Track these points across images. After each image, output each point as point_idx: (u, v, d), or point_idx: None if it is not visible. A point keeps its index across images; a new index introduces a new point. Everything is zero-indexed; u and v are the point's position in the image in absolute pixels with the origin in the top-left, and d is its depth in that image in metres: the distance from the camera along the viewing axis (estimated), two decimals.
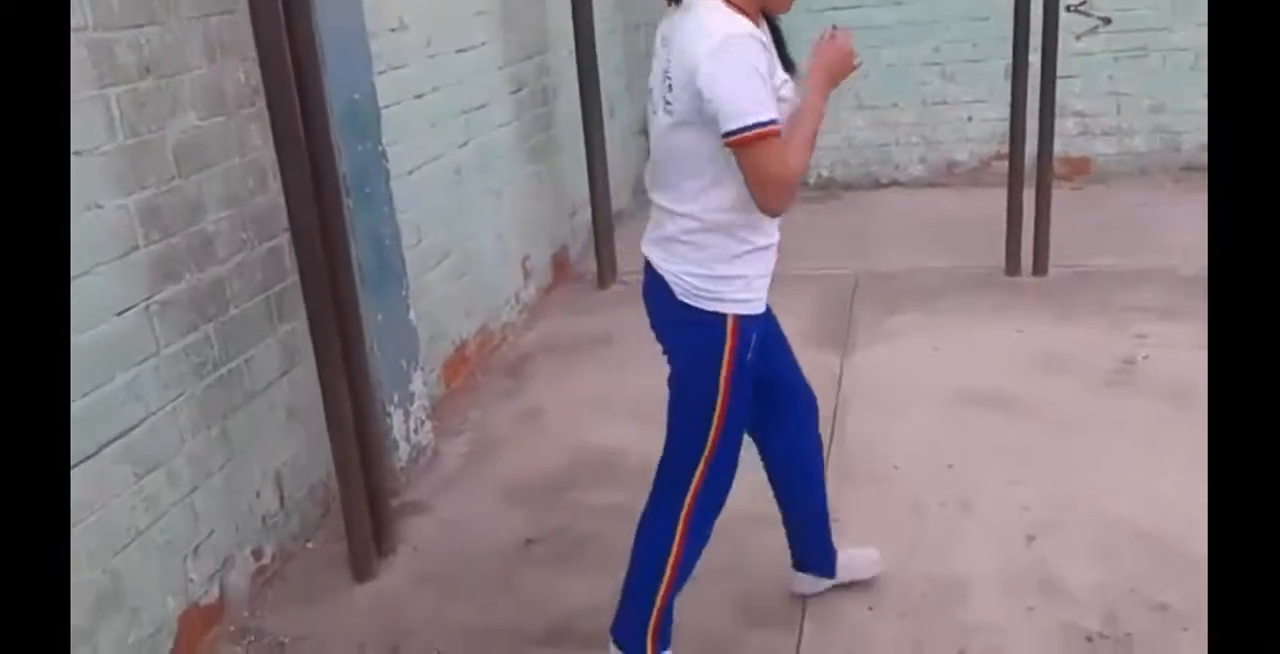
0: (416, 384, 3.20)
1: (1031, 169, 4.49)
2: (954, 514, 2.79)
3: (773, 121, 1.82)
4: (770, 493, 2.44)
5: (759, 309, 2.02)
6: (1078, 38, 5.73)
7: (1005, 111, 4.50)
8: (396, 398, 3.09)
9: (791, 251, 4.98)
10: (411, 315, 3.21)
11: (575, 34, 4.51)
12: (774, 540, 2.73)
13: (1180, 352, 3.61)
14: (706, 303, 1.99)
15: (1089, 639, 2.29)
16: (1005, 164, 4.53)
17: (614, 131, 5.73)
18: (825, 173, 6.30)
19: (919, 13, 5.85)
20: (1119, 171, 5.92)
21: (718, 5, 1.88)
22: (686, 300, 2.00)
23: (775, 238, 2.04)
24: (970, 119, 5.96)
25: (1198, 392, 3.30)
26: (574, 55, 4.56)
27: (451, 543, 2.81)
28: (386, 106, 3.22)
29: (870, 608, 2.45)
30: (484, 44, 4.11)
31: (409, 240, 3.38)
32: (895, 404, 3.42)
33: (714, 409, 2.05)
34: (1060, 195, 5.55)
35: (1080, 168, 5.94)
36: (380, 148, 3.08)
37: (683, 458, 2.13)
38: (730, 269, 1.97)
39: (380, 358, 3.03)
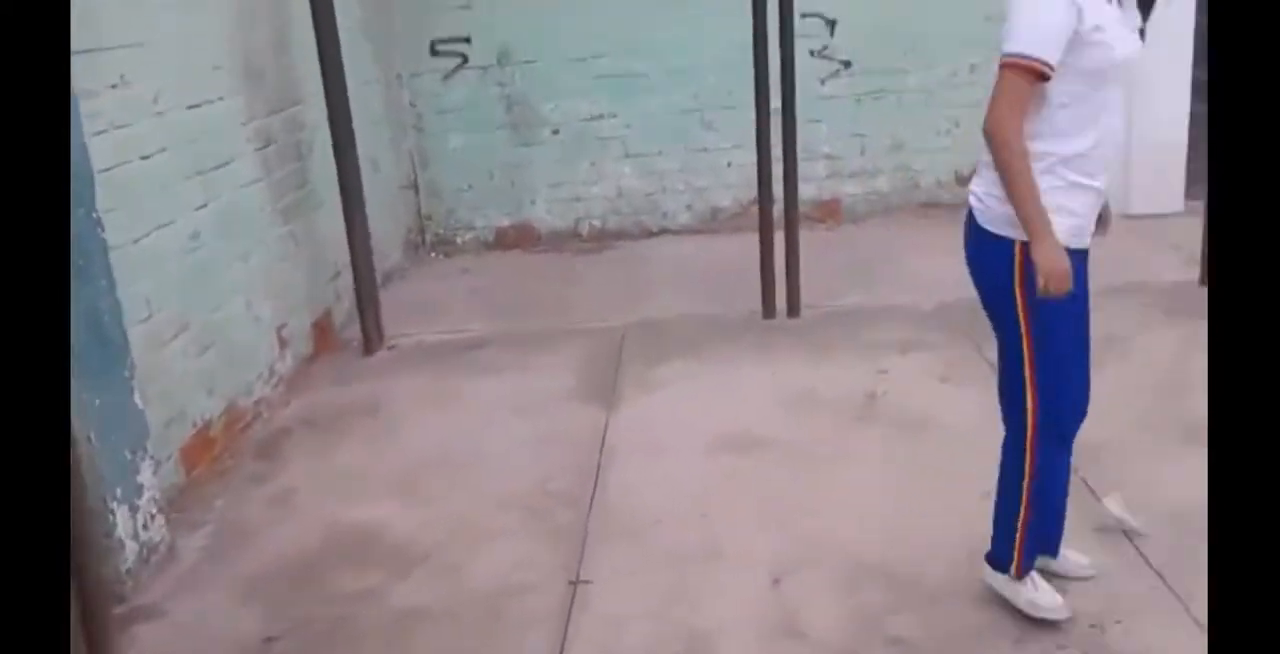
0: (145, 475, 2.96)
1: (784, 213, 4.69)
2: (707, 563, 2.83)
3: (1036, 59, 2.03)
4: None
5: None
6: (822, 82, 6.11)
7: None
8: (120, 492, 2.85)
9: (562, 306, 5.10)
10: (138, 398, 2.98)
11: (325, 86, 4.38)
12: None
13: (917, 383, 3.84)
14: (999, 227, 2.18)
15: None
16: (773, 209, 4.69)
17: (379, 187, 5.62)
18: (597, 223, 6.39)
19: (676, 61, 6.03)
20: (867, 211, 6.29)
21: None
22: (984, 225, 2.22)
23: (1090, 183, 2.16)
24: (730, 165, 6.18)
25: (932, 422, 3.52)
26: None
27: (182, 650, 2.60)
28: (105, 169, 3.03)
29: None
30: (221, 99, 3.93)
31: (137, 314, 3.16)
32: (656, 455, 3.46)
33: (1020, 332, 2.23)
34: (815, 237, 5.88)
35: (832, 210, 6.29)
36: (95, 215, 2.86)
37: (1012, 382, 2.31)
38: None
39: (100, 449, 2.79)
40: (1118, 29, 2.14)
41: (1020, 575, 2.45)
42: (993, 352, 2.20)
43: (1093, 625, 2.42)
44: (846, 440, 3.48)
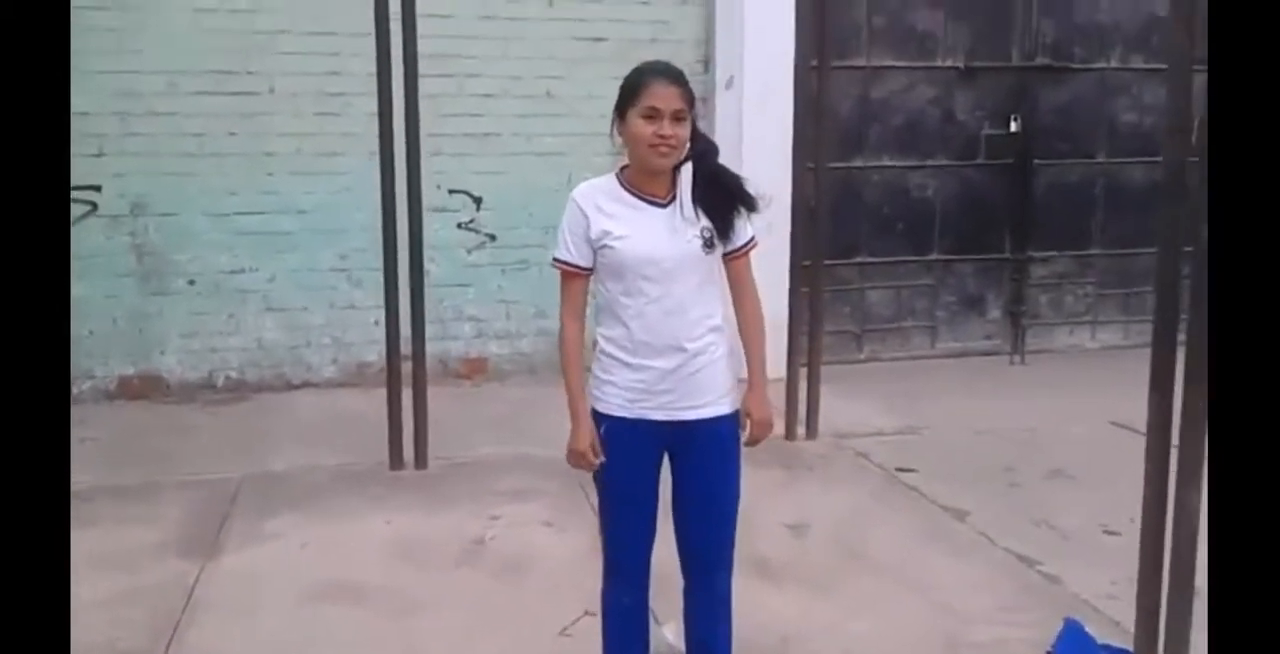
0: None
1: (431, 368, 4.80)
2: None
3: (556, 259, 2.45)
4: None
5: (605, 408, 2.44)
6: (469, 252, 6.45)
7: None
8: None
9: (176, 458, 4.84)
10: None
11: None
12: None
13: (524, 529, 3.99)
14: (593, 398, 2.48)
15: None
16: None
17: None
18: (235, 375, 6.18)
19: (323, 221, 6.15)
20: (512, 370, 6.57)
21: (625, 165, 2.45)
22: None
23: (630, 360, 2.39)
24: (377, 323, 6.22)
25: (529, 564, 3.66)
26: None
27: None
28: None
29: None
30: None
31: None
32: (248, 608, 3.31)
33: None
34: (460, 392, 6.06)
35: (478, 367, 6.51)
36: None
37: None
38: (596, 366, 2.46)
39: None
40: (639, 233, 2.37)
41: None
42: (595, 496, 2.43)
43: None
44: (446, 586, 3.51)
